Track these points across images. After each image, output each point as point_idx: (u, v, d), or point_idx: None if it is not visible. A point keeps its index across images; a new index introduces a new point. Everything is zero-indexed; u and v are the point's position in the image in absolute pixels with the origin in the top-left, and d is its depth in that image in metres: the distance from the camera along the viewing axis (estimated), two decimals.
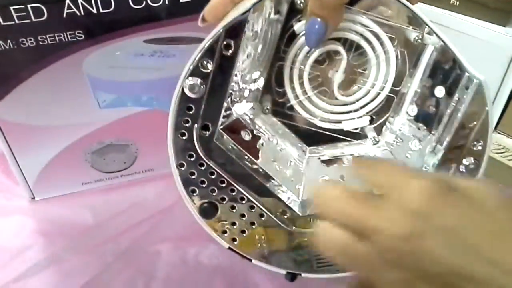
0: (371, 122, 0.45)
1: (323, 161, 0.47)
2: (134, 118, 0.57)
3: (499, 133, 0.66)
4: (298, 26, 0.40)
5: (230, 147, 0.43)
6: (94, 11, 0.46)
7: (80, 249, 0.56)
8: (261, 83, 0.44)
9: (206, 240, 0.54)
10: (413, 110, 0.43)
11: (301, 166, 0.46)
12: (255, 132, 0.45)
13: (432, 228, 0.28)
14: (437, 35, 0.38)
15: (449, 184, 0.29)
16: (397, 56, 0.41)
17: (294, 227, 0.46)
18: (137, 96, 0.56)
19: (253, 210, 0.44)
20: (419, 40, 0.40)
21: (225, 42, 0.38)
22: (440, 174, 0.40)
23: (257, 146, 0.45)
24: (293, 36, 0.41)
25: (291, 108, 0.44)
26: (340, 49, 0.41)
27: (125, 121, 0.57)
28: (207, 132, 0.41)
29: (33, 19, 0.45)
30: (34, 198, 0.60)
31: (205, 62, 0.38)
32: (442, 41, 0.38)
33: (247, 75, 0.42)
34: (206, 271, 0.55)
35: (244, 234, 0.45)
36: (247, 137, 0.44)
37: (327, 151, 0.47)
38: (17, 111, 0.51)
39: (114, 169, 0.61)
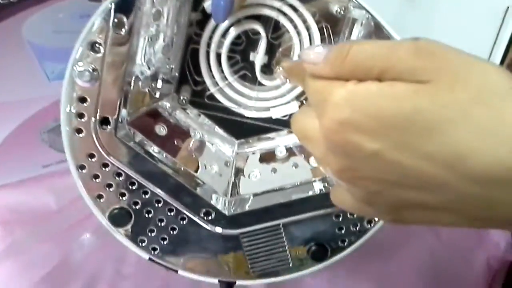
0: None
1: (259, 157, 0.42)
2: None
3: None
4: (208, 4, 0.35)
5: (141, 142, 0.38)
6: None
7: (42, 237, 0.52)
8: (176, 70, 0.39)
9: None
10: None
11: (229, 162, 0.42)
12: (174, 127, 0.40)
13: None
14: (362, 6, 0.33)
15: None
16: (321, 32, 0.36)
17: (219, 229, 0.40)
18: None
19: (172, 213, 0.39)
20: (342, 13, 0.35)
21: (115, 20, 0.32)
22: None
23: (175, 142, 0.40)
24: (206, 16, 0.37)
25: (212, 97, 0.39)
26: (258, 27, 0.36)
27: None
28: (108, 127, 0.36)
29: None
30: None
31: (96, 45, 0.33)
32: (369, 13, 0.33)
33: (158, 62, 0.37)
34: None
35: (165, 242, 0.40)
36: (162, 131, 0.39)
37: (259, 144, 0.42)
38: None
39: None
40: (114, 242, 0.50)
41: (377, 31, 0.34)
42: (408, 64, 0.24)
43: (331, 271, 0.48)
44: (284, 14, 0.36)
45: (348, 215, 0.41)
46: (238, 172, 0.42)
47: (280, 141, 0.42)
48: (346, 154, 0.25)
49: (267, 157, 0.42)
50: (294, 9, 0.36)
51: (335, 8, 0.35)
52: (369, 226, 0.41)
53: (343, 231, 0.41)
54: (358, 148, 0.25)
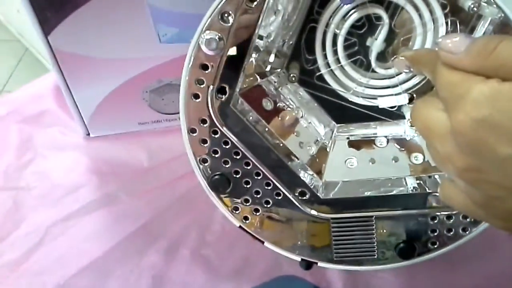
0: (411, 101, 0.39)
1: (352, 142, 0.42)
2: None
3: None
4: None
5: (249, 115, 0.38)
6: None
7: (134, 192, 0.54)
8: (289, 47, 0.39)
9: None
10: None
11: (327, 145, 0.41)
12: (278, 102, 0.40)
13: None
14: (497, 4, 0.32)
15: None
16: (447, 26, 0.35)
17: (312, 211, 0.41)
18: None
19: (269, 188, 0.40)
20: (475, 9, 0.33)
21: None
22: None
23: (279, 118, 0.40)
24: None
25: (321, 78, 0.39)
26: (383, 13, 0.36)
27: None
28: (224, 96, 0.37)
29: None
30: (89, 134, 0.58)
31: (225, 15, 0.34)
32: (503, 11, 0.32)
33: (275, 37, 0.37)
34: None
35: (257, 213, 0.41)
36: (269, 106, 0.39)
37: (358, 131, 0.42)
38: (72, 40, 0.49)
39: (172, 110, 0.57)
40: (201, 209, 0.52)
41: (504, 31, 0.33)
42: None
43: (410, 272, 0.47)
44: (412, 3, 0.35)
45: (445, 218, 0.40)
46: (334, 157, 0.41)
47: (381, 131, 0.41)
48: (477, 154, 0.24)
49: (366, 145, 0.42)
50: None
51: (468, 3, 0.33)
52: (463, 233, 0.41)
53: (435, 234, 0.41)
54: (493, 150, 0.23)
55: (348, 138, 0.42)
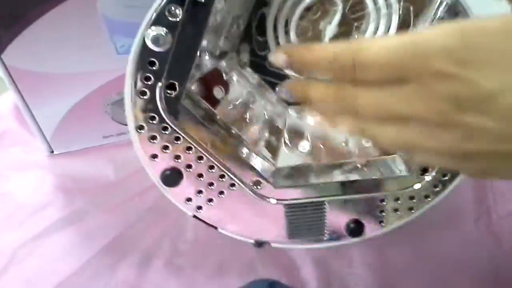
0: None
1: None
2: None
3: None
4: None
5: (200, 107, 0.38)
6: None
7: (102, 206, 0.53)
8: (239, 30, 0.39)
9: None
10: None
11: (280, 129, 0.42)
12: (229, 88, 0.40)
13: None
14: None
15: None
16: (400, 11, 0.36)
17: (266, 198, 0.41)
18: None
19: (223, 180, 0.40)
20: None
21: None
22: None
23: (231, 106, 0.40)
24: None
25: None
26: None
27: None
28: (173, 92, 0.36)
29: None
30: (53, 152, 0.57)
31: (173, 9, 0.33)
32: None
33: (222, 19, 0.37)
34: None
35: (211, 203, 0.41)
36: (220, 94, 0.39)
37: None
38: (27, 57, 0.48)
39: None
40: (173, 218, 0.51)
41: (457, 12, 0.33)
42: None
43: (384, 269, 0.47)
44: None
45: (394, 199, 0.42)
46: (289, 140, 0.42)
47: None
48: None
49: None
50: None
51: None
52: (411, 211, 0.42)
53: (383, 214, 0.42)
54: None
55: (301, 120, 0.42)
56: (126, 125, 0.55)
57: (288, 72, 0.39)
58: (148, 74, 0.35)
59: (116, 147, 0.58)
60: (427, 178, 0.40)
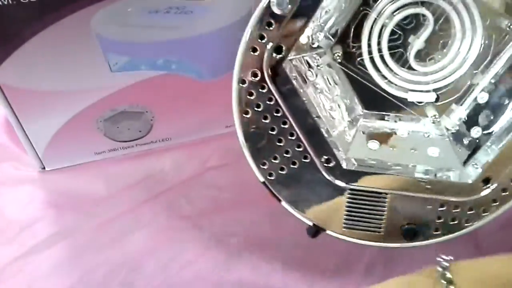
0: (436, 100, 0.43)
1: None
2: (149, 83, 0.52)
3: None
4: None
5: (296, 79, 0.41)
6: None
7: (94, 222, 0.52)
8: (339, 28, 0.42)
9: (227, 217, 0.51)
10: (483, 98, 0.42)
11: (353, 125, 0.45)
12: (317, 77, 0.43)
13: None
14: None
15: None
16: (483, 38, 0.39)
17: (333, 179, 0.43)
18: (151, 58, 0.51)
19: (299, 150, 0.42)
20: (509, 28, 0.38)
21: None
22: None
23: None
24: None
25: (361, 63, 0.43)
26: (429, 15, 0.39)
27: (139, 86, 0.52)
28: (279, 55, 0.39)
29: None
30: (44, 168, 0.57)
31: None
32: None
33: (329, 17, 0.41)
34: (227, 249, 0.50)
35: (283, 172, 0.43)
36: (311, 77, 0.42)
37: (379, 123, 0.45)
38: (21, 75, 0.48)
39: (128, 137, 0.57)
40: (165, 236, 0.51)
41: None
42: None
43: None
44: (456, 10, 0.38)
45: (454, 207, 0.43)
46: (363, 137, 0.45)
47: (402, 125, 0.45)
48: None
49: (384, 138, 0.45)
50: (468, 10, 0.38)
51: (504, 23, 0.38)
52: (466, 224, 0.43)
53: (441, 221, 0.43)
54: None
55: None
56: (118, 141, 0.56)
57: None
58: (264, 33, 0.38)
59: (108, 163, 0.58)
60: (486, 190, 0.42)
